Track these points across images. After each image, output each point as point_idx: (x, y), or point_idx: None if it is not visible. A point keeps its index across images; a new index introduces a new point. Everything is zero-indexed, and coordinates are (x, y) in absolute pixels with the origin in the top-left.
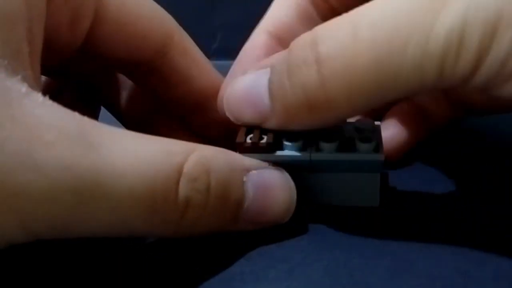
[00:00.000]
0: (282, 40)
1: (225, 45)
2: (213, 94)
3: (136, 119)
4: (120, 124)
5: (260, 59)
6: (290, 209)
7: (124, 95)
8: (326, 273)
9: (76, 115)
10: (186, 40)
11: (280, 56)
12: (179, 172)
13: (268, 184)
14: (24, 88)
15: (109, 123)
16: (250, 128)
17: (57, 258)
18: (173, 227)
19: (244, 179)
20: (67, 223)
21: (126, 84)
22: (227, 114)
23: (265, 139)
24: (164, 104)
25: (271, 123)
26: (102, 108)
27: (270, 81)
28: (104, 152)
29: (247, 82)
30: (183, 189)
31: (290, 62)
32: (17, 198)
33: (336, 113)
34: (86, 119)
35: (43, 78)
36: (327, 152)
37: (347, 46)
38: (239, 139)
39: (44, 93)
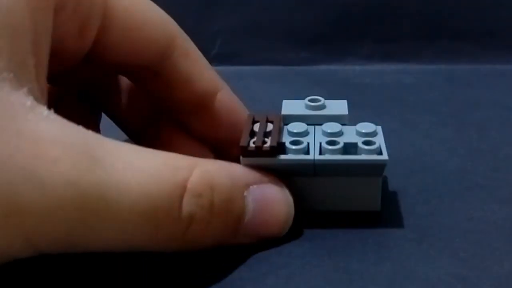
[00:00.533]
0: None
1: (224, 51)
2: (214, 95)
3: (137, 125)
4: (120, 131)
5: None
6: (288, 224)
7: (125, 101)
8: (325, 279)
9: (81, 128)
10: (188, 42)
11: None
12: (183, 188)
13: (267, 199)
14: (29, 101)
15: (109, 129)
16: (253, 132)
17: (58, 264)
18: (177, 243)
19: (245, 193)
20: (71, 238)
21: (126, 90)
22: None
23: (268, 143)
24: (165, 109)
25: None
26: (103, 114)
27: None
28: (109, 167)
29: None
30: (187, 205)
31: None
32: (22, 214)
33: None
34: (90, 133)
35: None
36: (331, 155)
37: None
38: (242, 143)
39: (46, 101)
